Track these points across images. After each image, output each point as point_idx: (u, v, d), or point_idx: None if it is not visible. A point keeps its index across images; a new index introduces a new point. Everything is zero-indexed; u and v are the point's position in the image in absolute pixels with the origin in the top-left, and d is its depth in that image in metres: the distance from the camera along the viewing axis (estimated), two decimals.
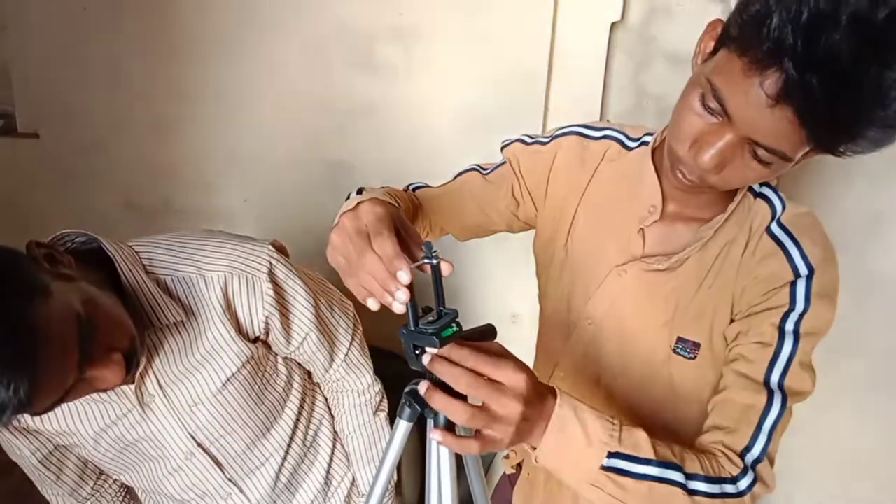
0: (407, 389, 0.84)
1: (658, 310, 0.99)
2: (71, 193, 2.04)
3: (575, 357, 1.10)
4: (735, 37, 0.76)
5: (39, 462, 1.13)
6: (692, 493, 0.83)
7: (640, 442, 0.83)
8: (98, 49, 1.92)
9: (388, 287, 0.71)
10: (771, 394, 0.90)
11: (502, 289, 1.81)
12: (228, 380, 1.10)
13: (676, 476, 0.83)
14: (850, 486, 1.77)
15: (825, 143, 0.76)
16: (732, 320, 0.95)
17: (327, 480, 1.33)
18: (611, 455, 0.81)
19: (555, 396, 0.80)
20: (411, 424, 0.86)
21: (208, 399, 1.11)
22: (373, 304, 0.74)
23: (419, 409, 0.83)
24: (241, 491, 1.22)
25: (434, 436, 0.79)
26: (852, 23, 0.66)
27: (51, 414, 1.05)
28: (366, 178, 1.71)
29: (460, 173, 1.12)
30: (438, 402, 0.75)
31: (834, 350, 1.62)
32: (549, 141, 1.09)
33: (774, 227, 0.93)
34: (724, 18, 0.81)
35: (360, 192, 0.91)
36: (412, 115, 1.78)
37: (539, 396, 0.79)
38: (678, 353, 0.98)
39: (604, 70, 1.64)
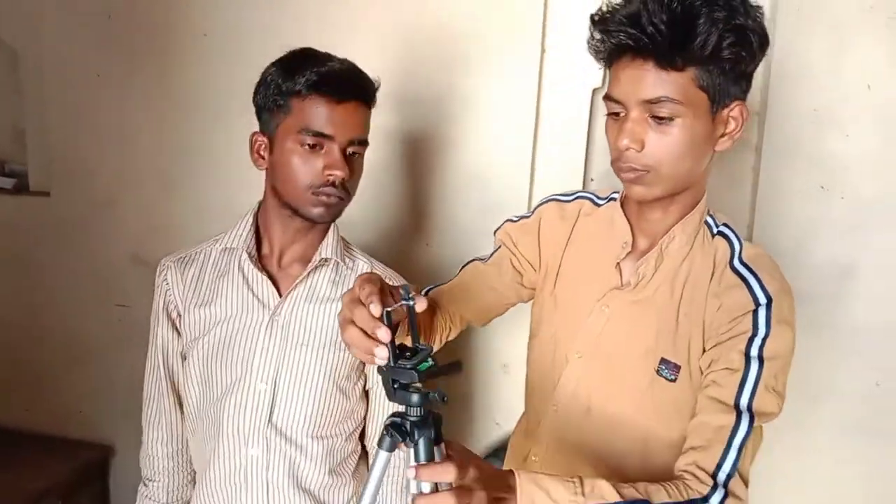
0: (387, 422, 0.90)
1: (641, 336, 1.12)
2: (78, 249, 2.11)
3: (566, 391, 1.18)
4: (604, 58, 1.04)
5: (164, 363, 1.36)
6: None
7: (602, 490, 0.91)
8: (109, 111, 2.02)
9: (370, 349, 0.85)
10: (739, 414, 0.99)
11: (493, 339, 1.87)
12: (334, 356, 1.29)
13: None
14: None
15: (673, 54, 0.95)
16: (704, 349, 1.07)
17: None
18: None
19: (513, 476, 0.91)
20: (390, 455, 0.93)
21: (310, 352, 1.28)
22: (377, 359, 0.86)
23: (398, 439, 0.89)
24: (267, 461, 1.29)
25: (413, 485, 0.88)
26: None
27: (209, 299, 1.31)
28: (366, 233, 1.79)
29: (463, 267, 1.26)
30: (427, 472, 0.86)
31: (811, 396, 1.70)
32: (532, 213, 1.26)
33: (736, 264, 1.08)
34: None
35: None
36: (409, 177, 1.87)
37: (500, 478, 0.90)
38: (661, 376, 1.09)
39: (586, 133, 1.73)
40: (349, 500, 1.36)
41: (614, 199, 1.20)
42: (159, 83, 1.98)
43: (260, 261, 1.31)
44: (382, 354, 0.83)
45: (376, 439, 1.36)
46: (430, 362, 0.86)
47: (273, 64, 1.26)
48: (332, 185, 1.22)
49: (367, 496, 0.94)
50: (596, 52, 1.04)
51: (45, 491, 1.92)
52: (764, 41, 0.99)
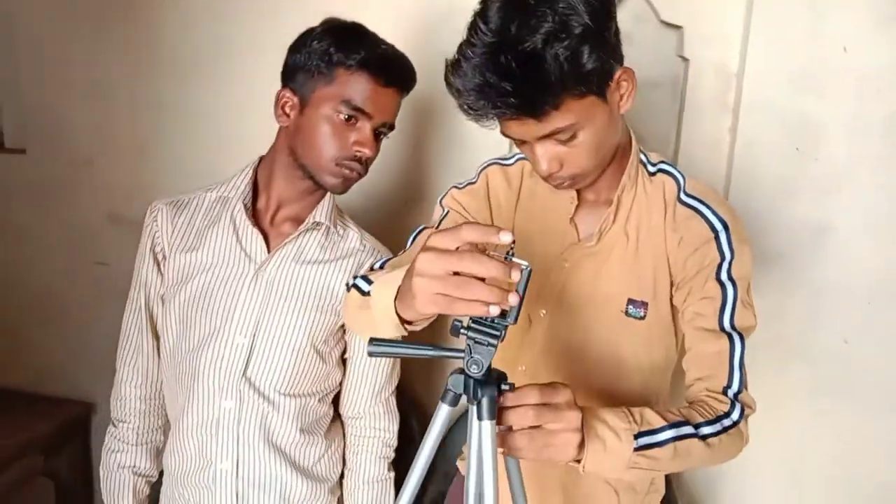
0: (450, 378, 0.88)
1: (604, 283, 1.16)
2: (55, 207, 2.10)
3: (534, 351, 1.20)
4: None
5: (146, 304, 1.37)
6: (703, 437, 0.99)
7: (649, 418, 0.98)
8: (84, 69, 1.99)
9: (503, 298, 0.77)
10: (730, 336, 1.07)
11: None
12: (314, 318, 1.31)
13: (688, 430, 0.98)
14: (801, 489, 1.83)
15: (545, 103, 0.93)
16: (672, 283, 1.13)
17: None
18: (636, 437, 0.94)
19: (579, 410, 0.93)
20: (452, 410, 0.90)
21: (292, 311, 1.30)
22: (495, 310, 0.78)
23: (461, 394, 0.88)
24: (239, 413, 1.31)
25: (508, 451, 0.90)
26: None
27: (197, 245, 1.32)
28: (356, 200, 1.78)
29: (415, 237, 1.23)
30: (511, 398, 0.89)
31: (782, 354, 1.74)
32: (477, 177, 1.26)
33: (684, 197, 1.13)
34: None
35: (366, 280, 1.05)
36: (404, 148, 1.86)
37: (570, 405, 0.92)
38: (630, 316, 1.14)
39: None
40: (319, 458, 1.39)
41: None
42: (135, 40, 1.95)
43: (254, 214, 1.33)
44: (515, 300, 0.78)
45: (352, 408, 1.40)
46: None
47: (322, 30, 1.26)
48: (359, 160, 1.26)
49: (424, 452, 0.92)
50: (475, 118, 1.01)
51: (27, 446, 1.94)
52: (608, 5, 0.96)
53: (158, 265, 1.36)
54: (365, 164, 1.28)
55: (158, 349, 1.38)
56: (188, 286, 1.31)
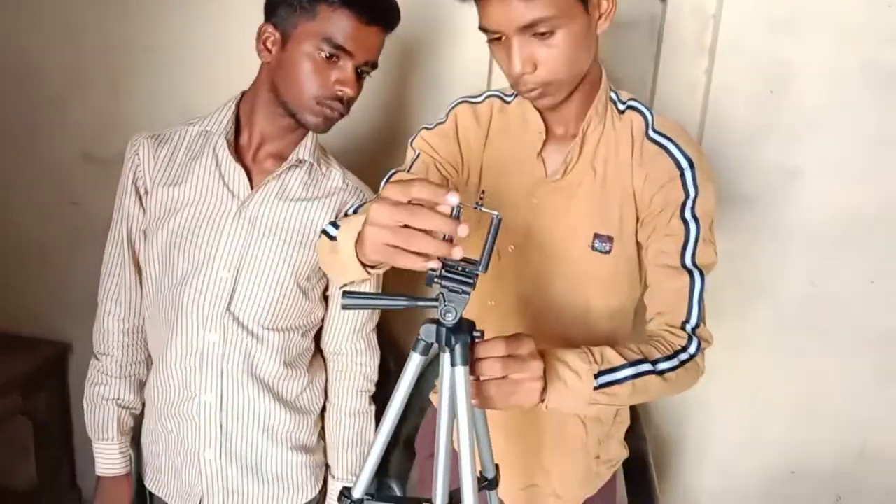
0: (422, 328, 0.89)
1: (571, 217, 1.17)
2: (27, 148, 2.06)
3: (503, 285, 1.22)
4: None
5: (128, 237, 1.36)
6: (660, 373, 1.04)
7: (609, 356, 1.01)
8: (48, 5, 1.94)
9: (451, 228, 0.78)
10: (691, 273, 1.10)
11: None
12: (298, 255, 1.32)
13: (646, 367, 1.02)
14: (762, 425, 1.89)
15: None
16: (638, 219, 1.15)
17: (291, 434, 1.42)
18: (596, 376, 0.98)
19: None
20: (424, 359, 0.91)
21: (275, 247, 1.31)
22: (433, 263, 0.81)
23: (432, 343, 0.89)
24: (223, 346, 1.32)
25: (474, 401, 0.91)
26: None
27: (179, 179, 1.32)
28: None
29: (387, 180, 1.23)
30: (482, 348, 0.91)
31: (750, 294, 1.78)
32: (447, 118, 1.26)
33: (652, 134, 1.15)
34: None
35: (335, 226, 1.05)
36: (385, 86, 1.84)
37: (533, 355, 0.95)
38: (596, 250, 1.16)
39: None
40: (302, 391, 1.41)
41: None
42: None
43: (237, 149, 1.33)
44: (458, 253, 0.79)
45: (334, 344, 1.42)
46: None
47: None
48: (340, 100, 1.25)
49: (397, 398, 0.93)
50: None
51: (4, 386, 1.93)
52: None
53: (140, 199, 1.35)
54: (347, 103, 1.27)
55: (141, 283, 1.39)
56: (171, 221, 1.31)
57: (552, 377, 0.95)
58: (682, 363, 1.07)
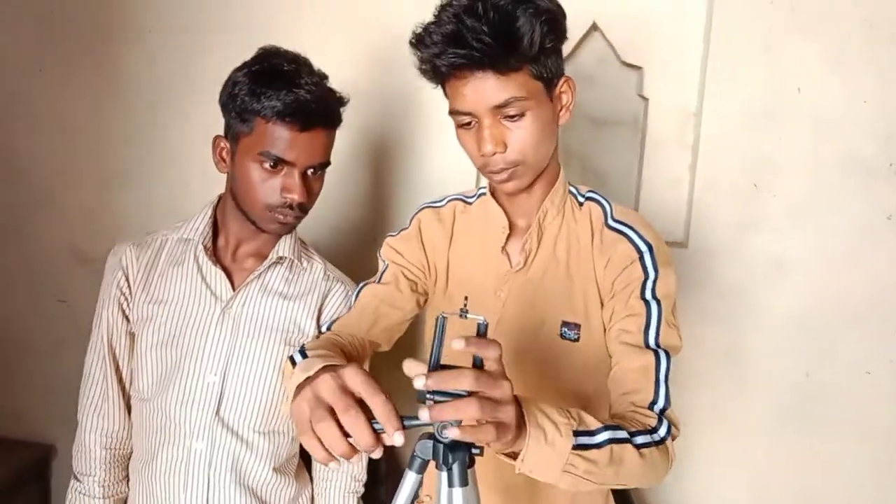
0: (418, 443, 0.86)
1: (538, 307, 1.18)
2: (16, 247, 2.07)
3: None
4: (437, 78, 1.09)
5: (109, 349, 1.34)
6: (637, 446, 0.96)
7: (586, 418, 0.93)
8: (47, 105, 1.98)
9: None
10: (655, 352, 1.08)
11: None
12: (284, 353, 1.30)
13: (623, 434, 0.95)
14: None
15: (508, 59, 1.02)
16: (602, 303, 1.16)
17: None
18: (575, 434, 0.89)
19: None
20: (420, 477, 0.88)
21: (261, 346, 1.30)
22: (334, 464, 0.79)
23: (429, 459, 0.86)
24: (211, 455, 1.29)
25: (450, 433, 0.78)
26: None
27: (163, 285, 1.32)
28: (320, 233, 1.78)
29: (358, 293, 1.24)
30: (450, 409, 0.76)
31: (743, 385, 1.76)
32: (410, 224, 1.30)
33: (611, 222, 1.18)
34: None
35: (302, 353, 1.03)
36: (367, 178, 1.88)
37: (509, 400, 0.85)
38: (565, 338, 1.17)
39: None
40: (289, 501, 1.37)
41: (483, 194, 1.26)
42: (99, 79, 1.95)
43: (215, 253, 1.33)
44: (399, 439, 0.75)
45: None
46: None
47: (241, 71, 1.24)
48: (290, 206, 1.25)
49: None
50: (429, 74, 1.09)
51: None
52: (564, 17, 1.08)
53: (123, 310, 1.34)
54: (300, 207, 1.26)
55: (124, 395, 1.36)
56: (155, 328, 1.30)
57: (531, 422, 0.85)
58: (656, 443, 1.00)
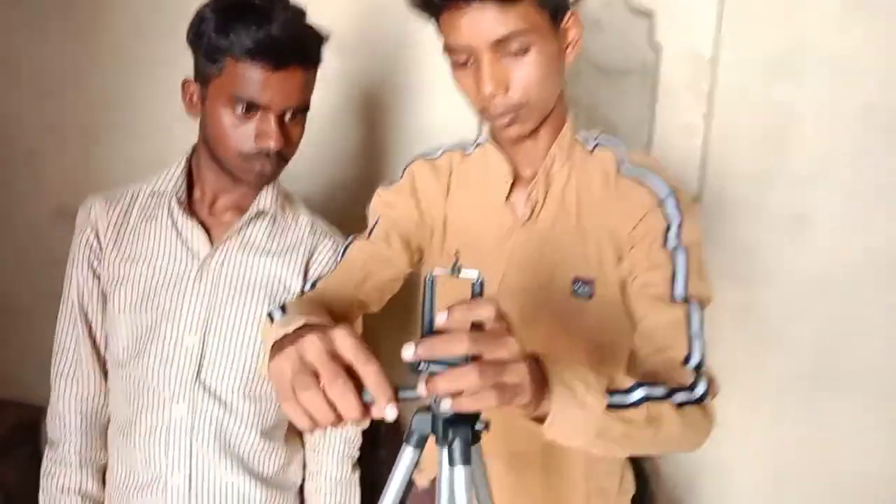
0: (415, 414, 0.79)
1: (547, 263, 1.10)
2: (1, 205, 2.01)
3: None
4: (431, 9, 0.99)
5: (81, 311, 1.27)
6: (676, 405, 0.86)
7: (619, 378, 0.84)
8: (27, 62, 1.91)
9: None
10: (686, 304, 0.99)
11: None
12: (267, 306, 1.21)
13: (661, 391, 0.86)
14: (783, 489, 1.79)
15: None
16: (619, 258, 1.06)
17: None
18: (608, 393, 0.79)
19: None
20: (418, 452, 0.80)
21: (243, 305, 1.22)
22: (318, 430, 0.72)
23: (427, 434, 0.78)
24: (192, 420, 1.22)
25: (445, 405, 0.68)
26: None
27: (135, 242, 1.24)
28: (312, 187, 1.72)
29: (344, 250, 1.15)
30: (445, 381, 0.67)
31: (762, 350, 1.72)
32: (403, 176, 1.20)
33: (625, 169, 1.08)
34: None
35: (282, 309, 0.94)
36: (361, 128, 1.80)
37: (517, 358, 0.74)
38: (578, 295, 1.08)
39: None
40: (282, 466, 1.31)
41: (482, 144, 1.17)
42: (79, 34, 1.87)
43: (190, 206, 1.25)
44: (392, 415, 0.67)
45: None
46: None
47: (209, 6, 1.14)
48: (266, 154, 1.15)
49: (391, 490, 0.81)
50: (421, 6, 1.00)
51: None
52: None
53: (94, 270, 1.27)
54: (278, 156, 1.16)
55: (99, 358, 1.30)
56: (129, 288, 1.23)
57: (557, 381, 0.75)
58: (693, 402, 0.90)
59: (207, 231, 1.24)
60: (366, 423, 0.67)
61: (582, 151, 1.12)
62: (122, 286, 1.23)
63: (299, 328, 0.74)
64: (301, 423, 0.68)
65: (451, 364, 0.66)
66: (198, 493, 1.23)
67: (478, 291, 0.72)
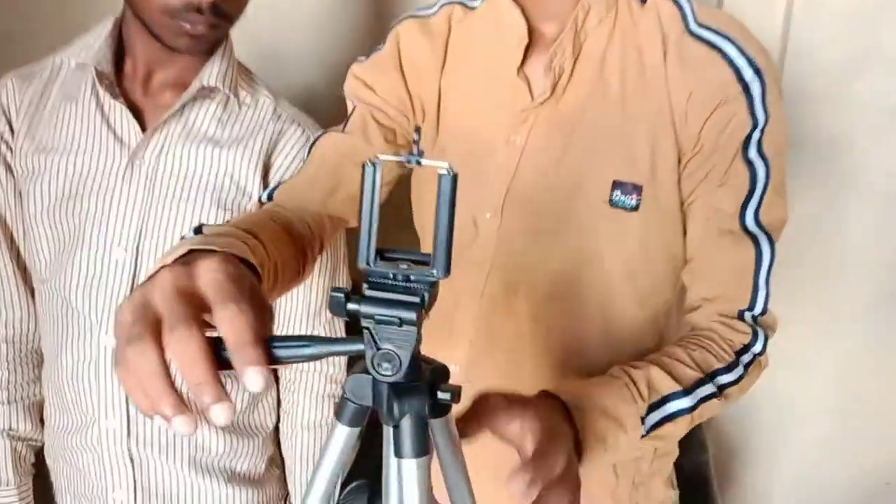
0: (348, 380, 0.54)
1: (577, 161, 0.86)
2: None
3: (480, 272, 0.92)
4: None
5: None
6: (722, 392, 0.80)
7: (656, 379, 0.76)
8: None
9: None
10: (756, 239, 0.84)
11: None
12: (216, 219, 1.02)
13: (707, 389, 0.78)
14: (850, 424, 1.66)
15: None
16: (680, 157, 0.84)
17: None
18: (644, 418, 0.74)
19: (559, 400, 0.69)
20: (355, 432, 0.55)
21: (185, 209, 1.02)
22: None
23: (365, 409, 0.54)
24: None
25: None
26: None
27: (52, 128, 1.04)
28: (307, 72, 1.49)
29: (312, 145, 0.94)
30: None
31: (835, 265, 1.58)
32: (386, 43, 0.97)
33: (695, 27, 0.83)
34: None
35: (198, 231, 0.70)
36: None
37: (553, 419, 0.66)
38: (616, 206, 0.85)
39: None
40: (240, 410, 1.13)
41: None
42: None
43: (120, 84, 1.03)
44: (222, 418, 0.48)
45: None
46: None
47: None
48: (197, 10, 0.93)
49: (318, 483, 0.57)
50: None
51: None
52: None
53: (7, 164, 1.07)
54: (213, 11, 0.95)
55: (22, 275, 1.11)
56: (45, 185, 1.03)
57: (588, 437, 0.68)
58: (746, 368, 0.83)
59: (139, 115, 1.03)
60: (220, 414, 0.42)
61: (630, 2, 0.87)
62: (38, 183, 1.03)
63: (181, 257, 0.54)
64: (135, 398, 0.48)
65: (406, 322, 0.48)
66: (138, 436, 1.05)
67: (448, 189, 0.49)
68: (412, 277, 0.49)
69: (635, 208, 0.85)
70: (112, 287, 1.01)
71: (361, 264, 0.48)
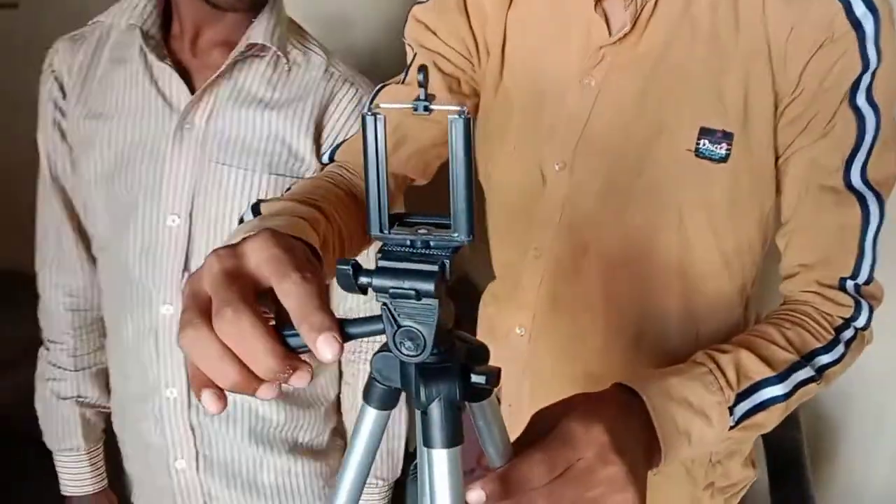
0: (376, 356, 0.49)
1: (658, 105, 0.79)
2: None
3: (549, 226, 0.85)
4: None
5: (57, 187, 1.08)
6: (820, 372, 0.74)
7: (746, 364, 0.70)
8: None
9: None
10: (862, 198, 0.76)
11: None
12: (270, 184, 0.99)
13: (803, 374, 0.72)
14: None
15: None
16: (777, 103, 0.76)
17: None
18: (732, 408, 0.68)
19: (635, 394, 0.64)
20: (384, 415, 0.51)
21: (237, 174, 0.99)
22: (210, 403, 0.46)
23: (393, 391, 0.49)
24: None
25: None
26: None
27: (102, 93, 1.02)
28: (367, 32, 1.42)
29: (372, 99, 0.89)
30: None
31: None
32: None
33: None
34: None
35: (256, 209, 0.68)
36: None
37: (624, 421, 0.60)
38: (703, 156, 0.77)
39: None
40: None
41: None
42: None
43: (168, 45, 0.99)
44: (303, 382, 0.44)
45: (343, 303, 1.06)
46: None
47: None
48: None
49: (350, 467, 0.51)
50: None
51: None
52: None
53: (62, 131, 1.06)
54: None
55: (83, 242, 1.11)
56: (98, 152, 1.01)
57: (668, 431, 0.63)
58: (847, 345, 0.76)
59: (188, 77, 0.99)
60: (302, 379, 0.38)
61: None
62: (91, 150, 1.02)
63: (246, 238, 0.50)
64: (195, 385, 0.46)
65: (424, 294, 0.42)
66: (199, 408, 1.03)
67: (462, 135, 0.42)
68: (433, 243, 0.43)
69: (724, 159, 0.77)
70: (168, 255, 1.00)
71: (374, 231, 0.43)
